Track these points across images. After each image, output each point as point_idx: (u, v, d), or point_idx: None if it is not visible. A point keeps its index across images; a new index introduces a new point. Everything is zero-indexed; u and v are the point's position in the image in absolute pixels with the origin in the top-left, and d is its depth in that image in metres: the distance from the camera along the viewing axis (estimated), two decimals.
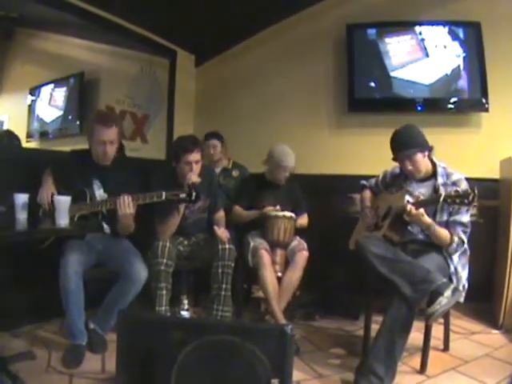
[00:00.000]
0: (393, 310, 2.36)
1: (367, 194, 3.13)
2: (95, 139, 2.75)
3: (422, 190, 2.68)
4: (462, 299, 2.50)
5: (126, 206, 2.56)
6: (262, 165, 3.51)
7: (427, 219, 2.50)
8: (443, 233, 2.53)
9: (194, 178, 2.89)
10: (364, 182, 3.20)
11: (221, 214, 3.33)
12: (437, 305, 2.28)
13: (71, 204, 2.36)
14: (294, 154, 3.42)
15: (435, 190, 2.63)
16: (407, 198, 2.61)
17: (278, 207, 3.31)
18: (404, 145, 2.65)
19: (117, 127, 2.79)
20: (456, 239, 2.53)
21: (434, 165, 2.71)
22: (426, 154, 2.67)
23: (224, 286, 2.93)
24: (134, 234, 2.86)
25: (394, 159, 2.75)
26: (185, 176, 2.94)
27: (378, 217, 2.89)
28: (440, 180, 2.64)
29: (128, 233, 2.83)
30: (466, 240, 2.57)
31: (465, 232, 2.57)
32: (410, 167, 2.67)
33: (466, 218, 2.57)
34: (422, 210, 2.48)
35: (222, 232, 3.08)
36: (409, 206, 2.47)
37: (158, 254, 2.83)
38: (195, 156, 2.98)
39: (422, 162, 2.66)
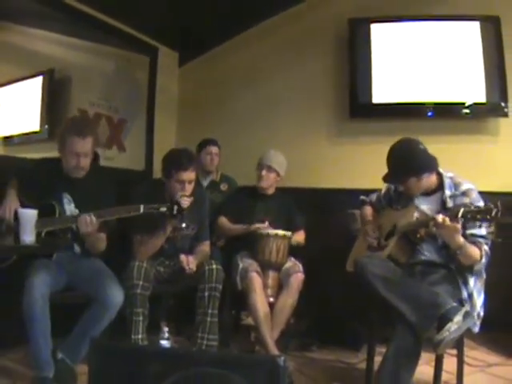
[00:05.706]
0: (397, 339, 2.37)
1: (368, 209, 3.17)
2: (68, 150, 2.74)
3: (429, 205, 2.71)
4: (476, 329, 2.52)
5: (88, 223, 2.58)
6: (252, 175, 3.56)
7: (460, 237, 2.43)
8: (474, 250, 2.48)
9: (185, 203, 2.83)
10: (363, 197, 3.25)
11: (204, 248, 3.29)
12: (445, 331, 2.25)
13: (37, 219, 2.38)
14: (285, 160, 3.51)
15: (443, 203, 2.65)
16: (416, 215, 2.65)
17: (266, 223, 3.35)
18: (395, 171, 2.73)
19: (92, 137, 2.79)
20: (484, 254, 2.49)
21: (439, 176, 2.73)
22: (425, 175, 2.67)
23: (210, 311, 2.92)
24: (110, 254, 2.87)
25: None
26: (174, 194, 2.95)
27: (380, 236, 2.92)
28: (447, 192, 2.66)
29: (99, 251, 2.85)
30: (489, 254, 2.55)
31: (487, 245, 2.54)
32: (403, 190, 2.83)
33: (484, 230, 2.53)
34: (458, 225, 2.37)
35: (188, 262, 3.02)
36: (441, 216, 2.36)
37: (134, 275, 2.82)
38: (190, 175, 2.99)
39: (417, 185, 2.69)
